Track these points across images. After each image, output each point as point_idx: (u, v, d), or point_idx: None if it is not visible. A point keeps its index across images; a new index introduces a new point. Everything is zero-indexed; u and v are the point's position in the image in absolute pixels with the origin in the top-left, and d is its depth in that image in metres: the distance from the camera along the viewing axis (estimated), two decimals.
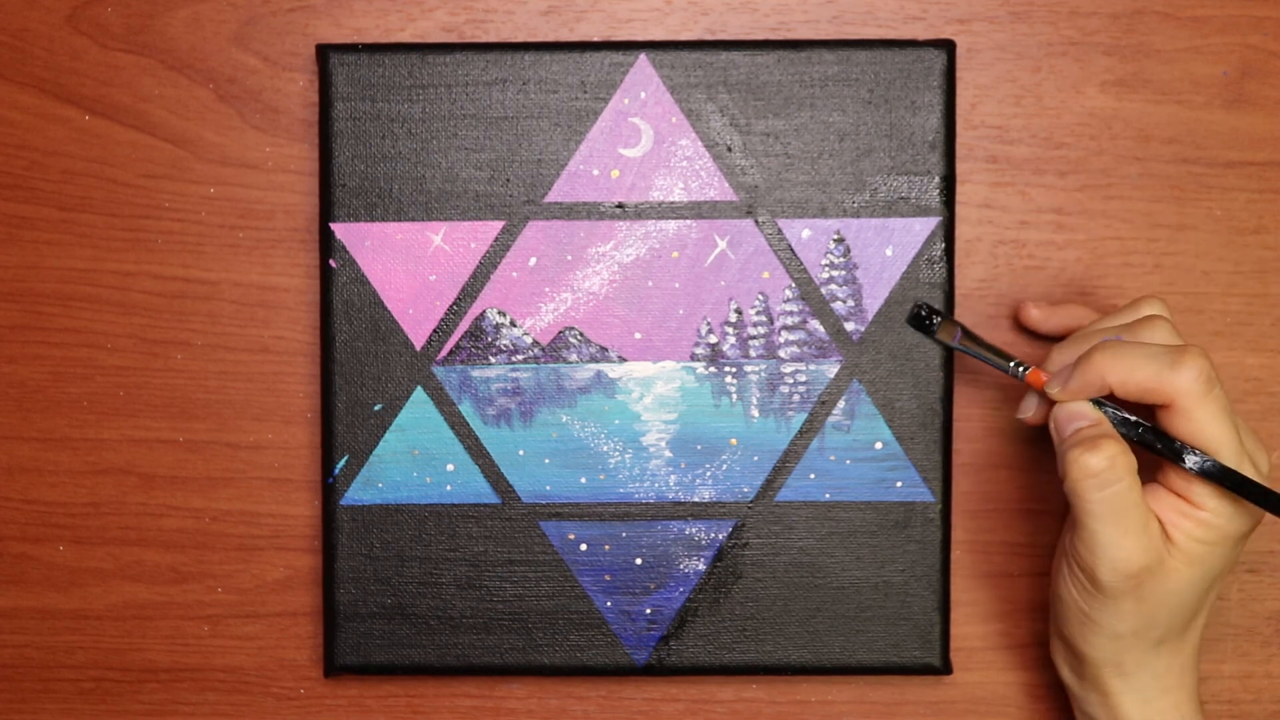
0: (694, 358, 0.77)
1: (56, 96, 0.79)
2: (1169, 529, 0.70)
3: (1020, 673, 0.80)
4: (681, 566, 0.77)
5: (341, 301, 0.77)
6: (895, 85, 0.76)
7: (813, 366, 0.77)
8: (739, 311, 0.77)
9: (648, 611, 0.77)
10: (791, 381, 0.77)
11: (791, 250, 0.77)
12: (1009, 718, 0.80)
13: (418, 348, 0.77)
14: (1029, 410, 0.74)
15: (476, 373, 0.77)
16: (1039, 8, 0.78)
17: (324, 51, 0.77)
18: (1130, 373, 0.69)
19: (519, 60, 0.76)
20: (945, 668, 0.78)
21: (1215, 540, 0.70)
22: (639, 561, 0.77)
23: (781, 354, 0.77)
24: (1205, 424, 0.69)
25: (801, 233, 0.77)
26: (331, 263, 0.77)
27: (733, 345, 0.77)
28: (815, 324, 0.77)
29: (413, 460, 0.77)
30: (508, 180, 0.77)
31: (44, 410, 0.79)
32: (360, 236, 0.77)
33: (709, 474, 0.77)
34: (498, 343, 0.77)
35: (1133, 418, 0.71)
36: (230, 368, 0.79)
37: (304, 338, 0.79)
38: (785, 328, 0.77)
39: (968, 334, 0.75)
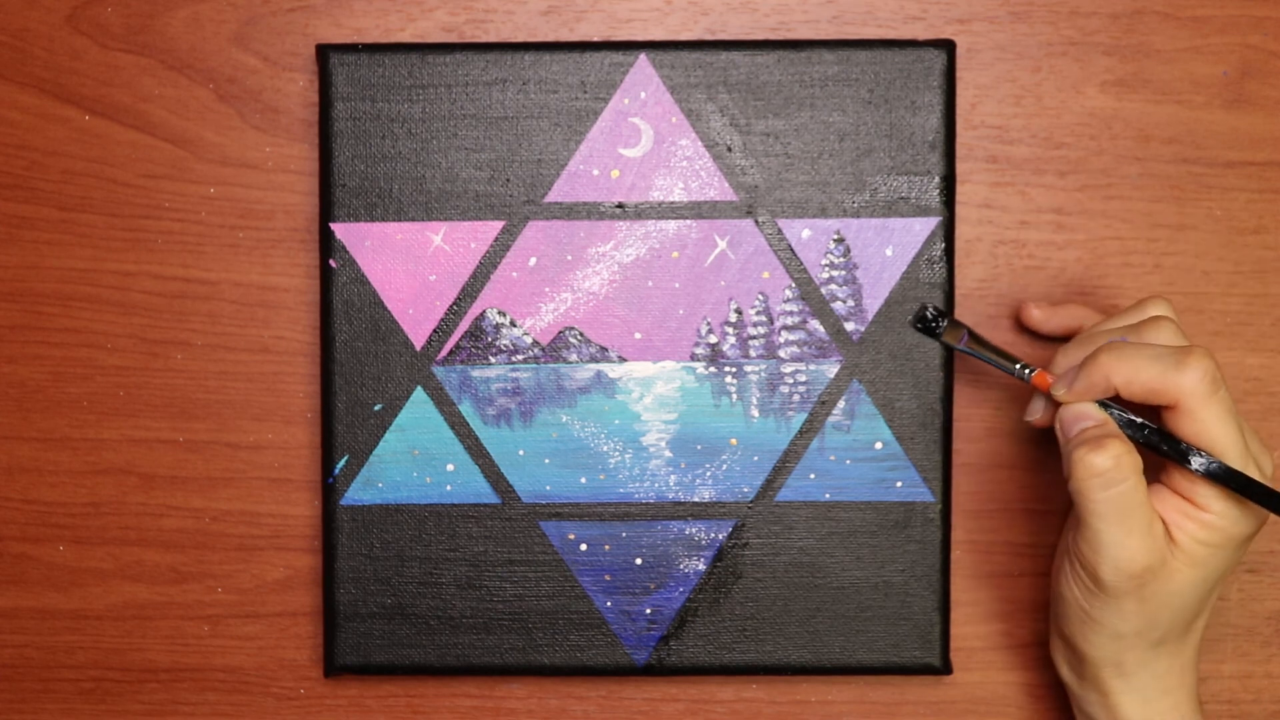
0: (694, 358, 0.77)
1: (56, 96, 0.79)
2: (1172, 530, 0.70)
3: (1020, 673, 0.80)
4: (681, 566, 0.77)
5: (341, 301, 0.77)
6: (895, 85, 0.76)
7: (813, 366, 0.77)
8: (739, 311, 0.77)
9: (648, 611, 0.77)
10: (791, 381, 0.77)
11: (791, 250, 0.77)
12: (1009, 718, 0.80)
13: (418, 348, 0.77)
14: (1037, 413, 0.74)
15: (476, 373, 0.77)
16: (1039, 8, 0.78)
17: (324, 51, 0.77)
18: (1135, 374, 0.69)
19: (519, 60, 0.76)
20: (945, 668, 0.78)
21: (1219, 542, 0.70)
22: (639, 561, 0.77)
23: (781, 354, 0.77)
24: (1211, 425, 0.69)
25: (801, 233, 0.77)
26: (331, 263, 0.77)
27: (733, 345, 0.77)
28: (815, 324, 0.77)
29: (413, 460, 0.77)
30: (508, 180, 0.77)
31: (44, 410, 0.79)
32: (360, 236, 0.77)
33: (709, 474, 0.77)
34: (498, 343, 0.77)
35: (1138, 419, 0.71)
36: (230, 368, 0.79)
37: (304, 338, 0.79)
38: (785, 328, 0.77)
39: (973, 336, 0.75)
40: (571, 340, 0.77)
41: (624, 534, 0.77)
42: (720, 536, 0.77)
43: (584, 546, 0.77)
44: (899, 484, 0.77)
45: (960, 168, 0.78)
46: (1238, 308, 0.79)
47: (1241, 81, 0.78)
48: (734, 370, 0.77)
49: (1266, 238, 0.79)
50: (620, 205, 0.77)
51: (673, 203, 0.77)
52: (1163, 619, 0.71)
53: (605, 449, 0.77)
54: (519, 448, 0.77)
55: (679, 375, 0.77)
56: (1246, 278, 0.79)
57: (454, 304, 0.77)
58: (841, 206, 0.77)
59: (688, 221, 0.77)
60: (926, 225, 0.76)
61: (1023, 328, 0.78)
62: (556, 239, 0.77)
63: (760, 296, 0.77)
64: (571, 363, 0.77)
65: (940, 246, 0.76)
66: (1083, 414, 0.71)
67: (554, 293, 0.77)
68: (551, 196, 0.77)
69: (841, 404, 0.77)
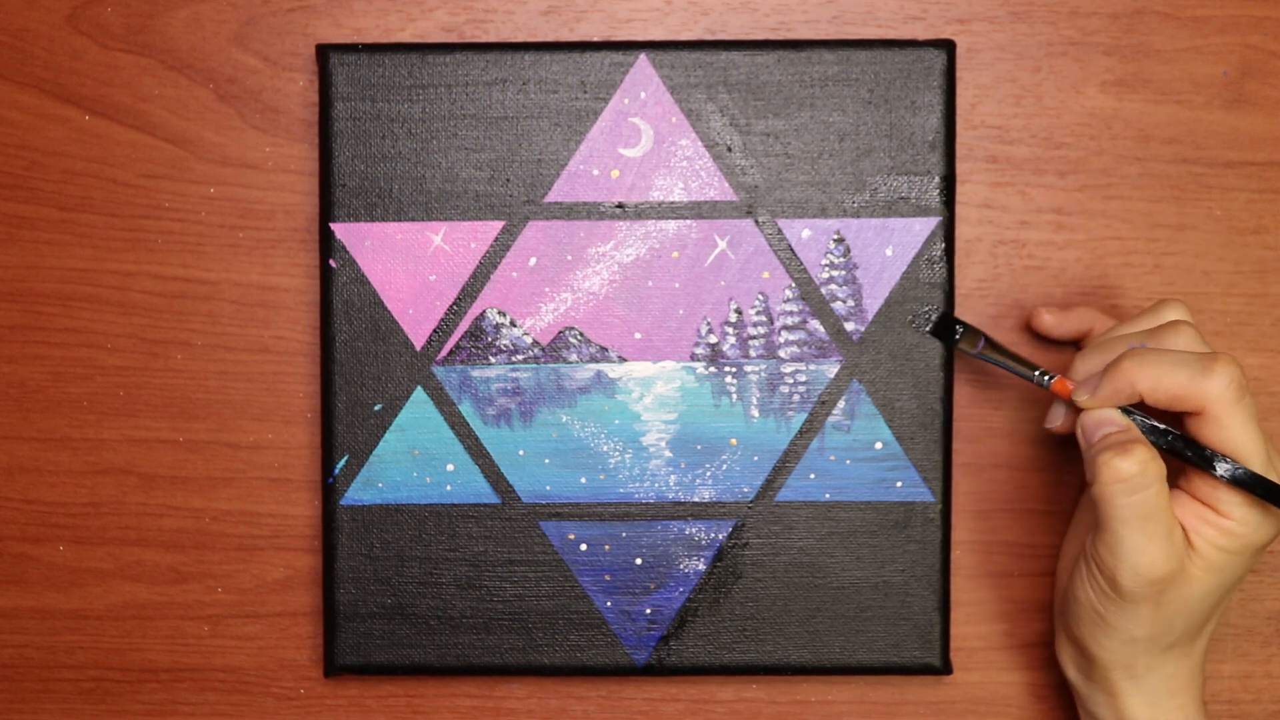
0: (694, 358, 0.77)
1: (56, 96, 0.79)
2: (1192, 536, 0.70)
3: (1021, 673, 0.80)
4: (681, 566, 0.77)
5: (341, 301, 0.77)
6: (895, 85, 0.76)
7: (813, 366, 0.77)
8: (739, 311, 0.77)
9: (648, 611, 0.77)
10: (791, 381, 0.77)
11: (791, 250, 0.77)
12: (1009, 718, 0.80)
13: (418, 348, 0.77)
14: (1057, 420, 0.73)
15: (476, 373, 0.77)
16: (1039, 8, 0.78)
17: (324, 51, 0.77)
18: (1161, 380, 0.69)
19: (519, 60, 0.76)
20: (945, 668, 0.78)
21: (1238, 549, 0.70)
22: (639, 561, 0.77)
23: (781, 354, 0.77)
24: (1235, 431, 0.69)
25: (801, 233, 0.77)
26: (331, 263, 0.77)
27: (733, 345, 0.77)
28: (815, 324, 0.77)
29: (413, 460, 0.77)
30: (508, 180, 0.77)
31: (44, 410, 0.79)
32: (360, 236, 0.77)
33: (709, 474, 0.77)
34: (498, 343, 0.77)
35: (1161, 425, 0.70)
36: (230, 368, 0.79)
37: (304, 338, 0.79)
38: (785, 328, 0.77)
39: (990, 343, 0.75)
40: (571, 340, 0.77)
41: (624, 534, 0.77)
42: (720, 536, 0.77)
43: (584, 546, 0.77)
44: (899, 484, 0.77)
45: (960, 168, 0.78)
46: (1238, 308, 0.79)
47: (1241, 81, 0.78)
48: (734, 370, 0.77)
49: (1266, 238, 0.79)
50: (620, 205, 0.77)
51: (673, 203, 0.77)
52: (1176, 624, 0.71)
53: (605, 449, 0.77)
54: (519, 448, 0.77)
55: (679, 375, 0.77)
56: (1246, 278, 0.79)
57: (454, 304, 0.77)
58: (841, 206, 0.77)
59: (688, 221, 0.77)
60: (926, 225, 0.76)
61: (1025, 328, 0.78)
62: (556, 239, 0.77)
63: (760, 296, 0.77)
64: (571, 363, 0.77)
65: (940, 246, 0.76)
66: (1105, 419, 0.71)
67: (554, 293, 0.77)
68: (551, 196, 0.77)
69: (841, 404, 0.77)
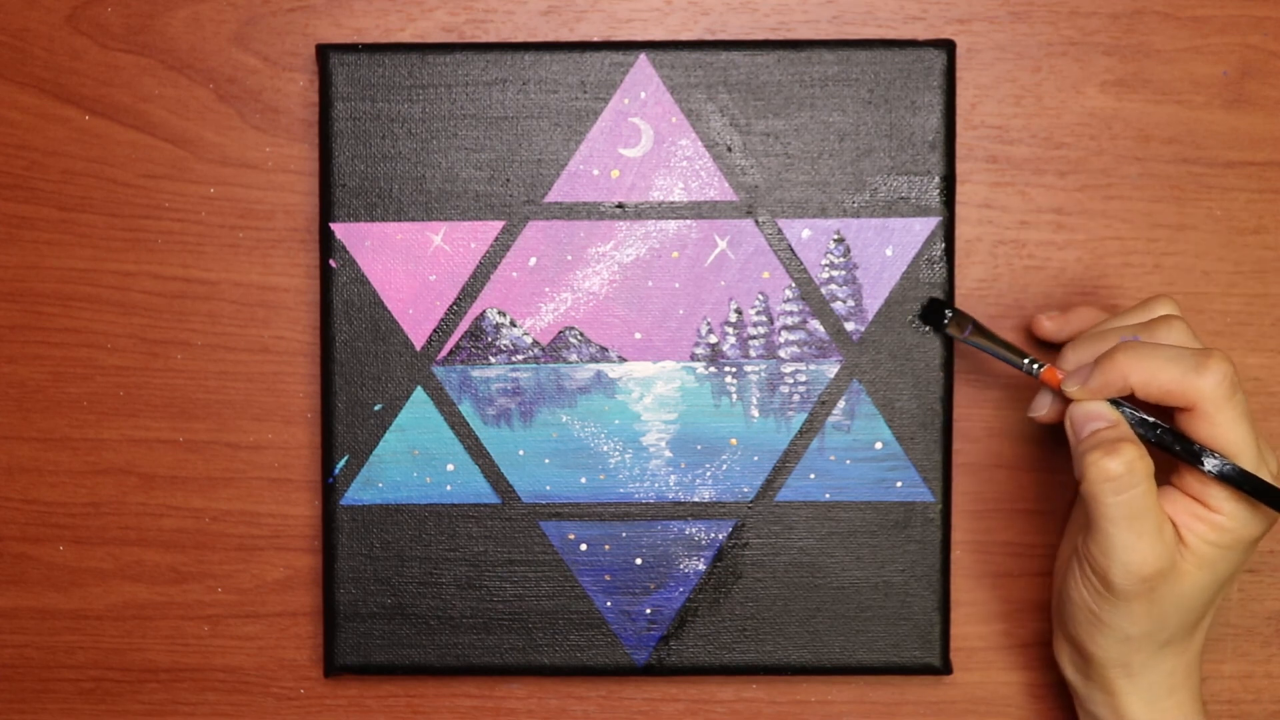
0: (694, 358, 0.77)
1: (56, 96, 0.79)
2: (1183, 532, 0.70)
3: (1021, 673, 0.80)
4: (681, 566, 0.77)
5: (341, 301, 0.77)
6: (895, 85, 0.76)
7: (813, 366, 0.77)
8: (739, 311, 0.77)
9: (648, 611, 0.77)
10: (791, 381, 0.77)
11: (791, 250, 0.77)
12: (1009, 718, 0.80)
13: (418, 348, 0.77)
14: (1042, 409, 0.73)
15: (476, 373, 0.77)
16: (1039, 8, 0.78)
17: (324, 51, 0.77)
18: (1154, 374, 0.69)
19: (519, 60, 0.76)
20: (945, 668, 0.78)
21: (1229, 544, 0.70)
22: (639, 561, 0.77)
23: (781, 354, 0.77)
24: (1227, 428, 0.69)
25: (801, 233, 0.77)
26: (331, 263, 0.77)
27: (733, 345, 0.77)
28: (815, 324, 0.77)
29: (413, 460, 0.77)
30: (508, 180, 0.77)
31: (44, 410, 0.79)
32: (360, 236, 0.77)
33: (709, 474, 0.77)
34: (498, 343, 0.77)
35: (1151, 419, 0.70)
36: (230, 368, 0.79)
37: (304, 338, 0.79)
38: (785, 328, 0.77)
39: (980, 329, 0.75)
40: (571, 340, 0.77)
41: (624, 534, 0.77)
42: (720, 536, 0.77)
43: (584, 546, 0.77)
44: (899, 484, 0.77)
45: (960, 168, 0.78)
46: (1238, 308, 0.79)
47: (1241, 81, 0.78)
48: (734, 370, 0.77)
49: (1266, 238, 0.79)
50: (620, 205, 0.77)
51: (673, 203, 0.77)
52: (1171, 621, 0.71)
53: (605, 449, 0.77)
54: (519, 448, 0.77)
55: (679, 375, 0.77)
56: (1246, 278, 0.79)
57: (454, 304, 0.77)
58: (841, 206, 0.77)
59: (688, 221, 0.77)
60: (926, 225, 0.76)
61: (1025, 329, 0.78)
62: (556, 239, 0.77)
63: (760, 296, 0.77)
64: (571, 363, 0.77)
65: (940, 246, 0.76)
66: (1095, 414, 0.71)
67: (554, 293, 0.77)
68: (551, 196, 0.77)
69: (841, 404, 0.77)
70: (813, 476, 0.77)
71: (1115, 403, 0.71)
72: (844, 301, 0.77)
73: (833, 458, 0.77)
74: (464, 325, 0.77)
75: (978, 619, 0.79)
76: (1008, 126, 0.78)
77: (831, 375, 0.77)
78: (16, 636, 0.80)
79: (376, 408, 0.77)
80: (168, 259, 0.79)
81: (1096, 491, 0.69)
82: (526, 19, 0.78)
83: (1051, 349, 0.77)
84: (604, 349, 0.77)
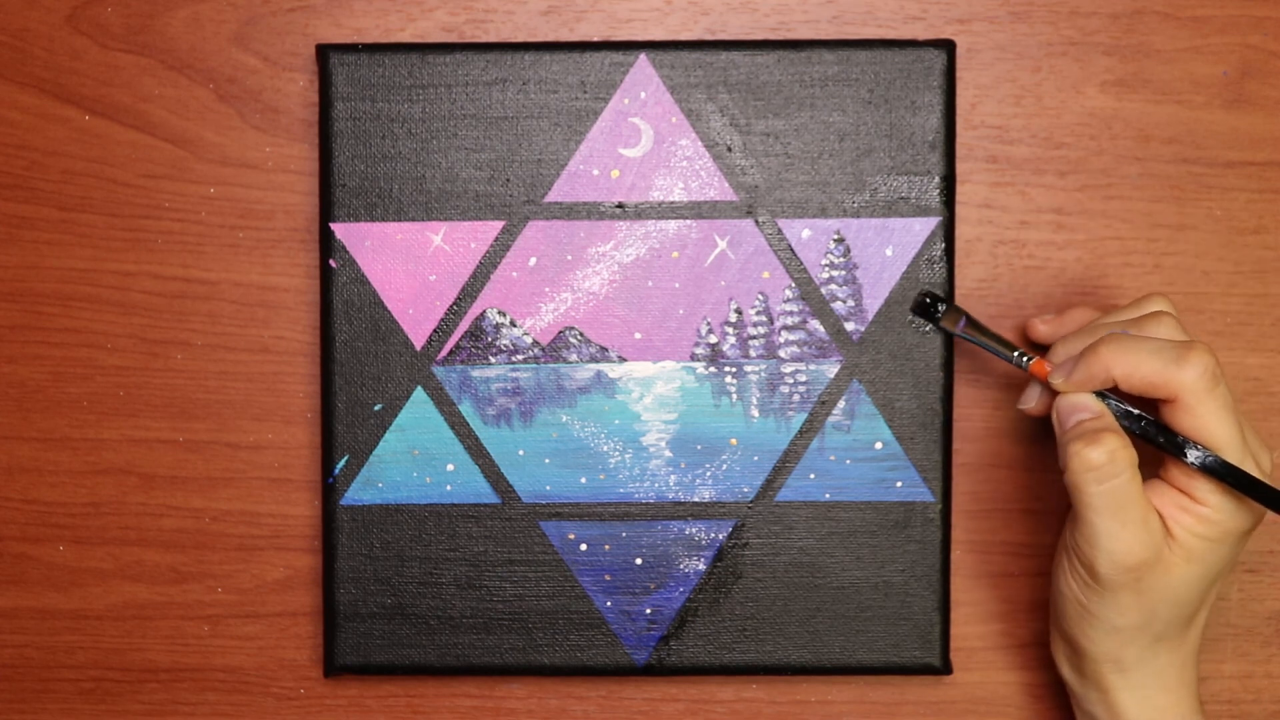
0: (694, 358, 0.77)
1: (56, 96, 0.79)
2: (1170, 524, 0.70)
3: (1020, 672, 0.80)
4: (681, 566, 0.77)
5: (341, 301, 0.77)
6: (895, 85, 0.76)
7: (813, 366, 0.77)
8: (739, 311, 0.77)
9: (648, 611, 0.77)
10: (791, 381, 0.77)
11: (791, 250, 0.77)
12: (1009, 718, 0.80)
13: (418, 348, 0.77)
14: (1031, 401, 0.74)
15: (476, 373, 0.77)
16: (1039, 8, 0.78)
17: (324, 51, 0.77)
18: (1136, 366, 0.69)
19: (519, 60, 0.76)
20: (945, 668, 0.78)
21: (1216, 537, 0.70)
22: (639, 561, 0.77)
23: (781, 354, 0.77)
24: (1208, 420, 0.69)
25: (801, 233, 0.77)
26: (331, 263, 0.77)
27: (733, 345, 0.77)
28: (815, 324, 0.77)
29: (413, 460, 0.77)
30: (508, 180, 0.77)
31: (44, 410, 0.79)
32: (360, 236, 0.77)
33: (709, 474, 0.77)
34: (498, 343, 0.77)
35: (1135, 411, 0.71)
36: (230, 368, 0.79)
37: (304, 338, 0.79)
38: (785, 328, 0.77)
39: (972, 322, 0.75)
40: (571, 340, 0.77)
41: (624, 534, 0.77)
42: (720, 536, 0.77)
43: (584, 546, 0.77)
44: (899, 484, 0.77)
45: (960, 168, 0.78)
46: (1238, 308, 0.79)
47: (1241, 81, 0.78)
48: (734, 370, 0.77)
49: (1266, 238, 0.79)
50: (620, 205, 0.77)
51: (673, 203, 0.77)
52: (1161, 613, 0.71)
53: (605, 449, 0.77)
54: (519, 448, 0.77)
55: (679, 375, 0.77)
56: (1246, 278, 0.79)
57: (454, 304, 0.77)
58: (841, 206, 0.77)
59: (688, 221, 0.77)
60: (926, 225, 0.76)
61: (1024, 328, 0.78)
62: (556, 239, 0.77)
63: (760, 296, 0.77)
64: (571, 363, 0.77)
65: (940, 246, 0.76)
66: (1080, 405, 0.71)
67: (554, 293, 0.77)
68: (551, 196, 0.77)
69: (841, 404, 0.77)
70: (813, 476, 0.77)
71: (1101, 396, 0.71)
72: (844, 301, 0.77)
73: (833, 458, 0.77)
74: (464, 325, 0.77)
75: (977, 619, 0.79)
76: (1008, 126, 0.78)
77: (831, 375, 0.77)
78: (16, 636, 0.80)
79: (376, 408, 0.77)
80: (168, 259, 0.79)
81: (1079, 481, 0.69)
82: (526, 19, 0.78)
83: (1040, 346, 0.77)
84: (604, 349, 0.77)
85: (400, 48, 0.77)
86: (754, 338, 0.77)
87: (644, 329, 0.77)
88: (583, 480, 0.77)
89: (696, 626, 0.78)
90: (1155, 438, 0.70)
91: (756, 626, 0.77)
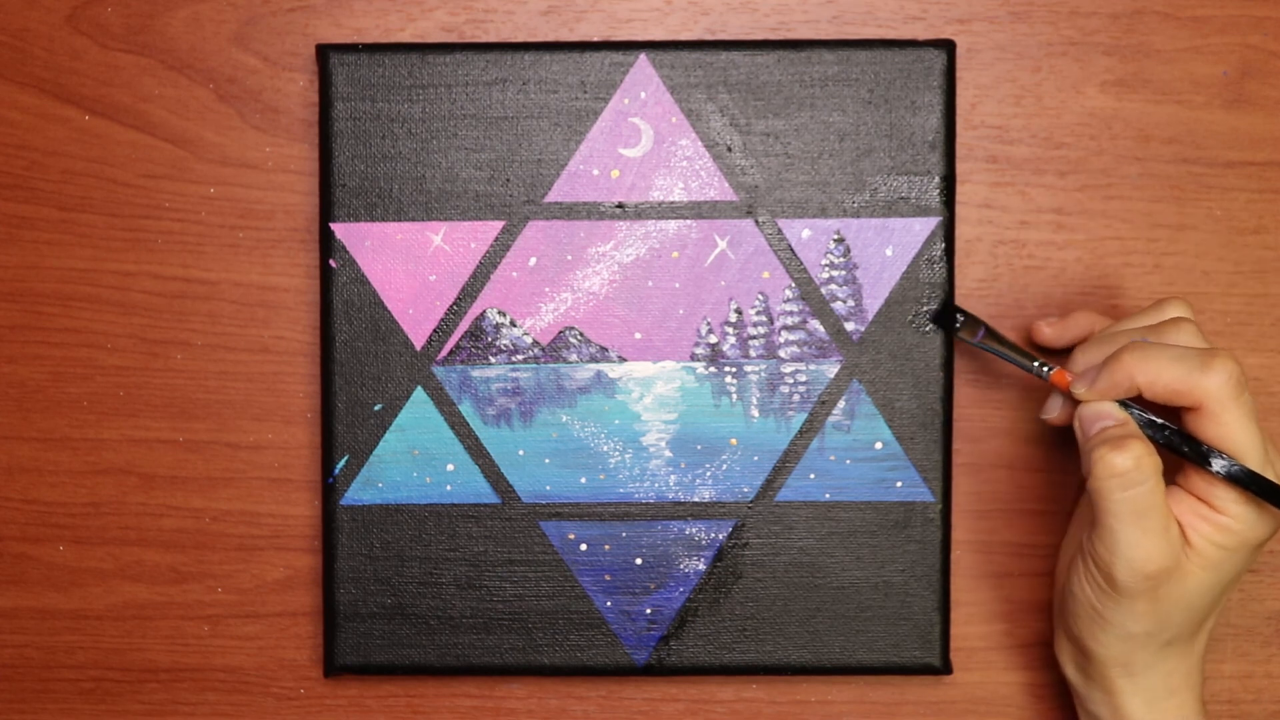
0: (694, 358, 0.77)
1: (56, 96, 0.79)
2: (1188, 532, 0.70)
3: (1021, 672, 0.80)
4: (681, 566, 0.77)
5: (341, 301, 0.77)
6: (895, 85, 0.76)
7: (813, 366, 0.77)
8: (739, 311, 0.77)
9: (648, 611, 0.77)
10: (791, 381, 0.77)
11: (791, 250, 0.77)
12: (1009, 718, 0.80)
13: (418, 348, 0.77)
14: (1054, 411, 0.73)
15: (476, 373, 0.77)
16: (1039, 8, 0.78)
17: (324, 51, 0.77)
18: (1160, 374, 0.69)
19: (519, 60, 0.76)
20: (945, 668, 0.78)
21: (1234, 545, 0.70)
22: (639, 561, 0.77)
23: (781, 354, 0.77)
24: (1233, 428, 0.69)
25: (801, 233, 0.77)
26: (331, 263, 0.77)
27: (733, 345, 0.77)
28: (815, 324, 0.77)
29: (413, 460, 0.77)
30: (508, 180, 0.77)
31: (44, 410, 0.79)
32: (360, 236, 0.77)
33: (709, 474, 0.77)
34: (498, 343, 0.77)
35: (1159, 419, 0.70)
36: (230, 368, 0.79)
37: (304, 338, 0.79)
38: (785, 328, 0.77)
39: (990, 333, 0.75)
40: (571, 340, 0.77)
41: (624, 534, 0.77)
42: (720, 536, 0.77)
43: (584, 546, 0.77)
44: (899, 484, 0.77)
45: (960, 168, 0.78)
46: (1238, 308, 0.79)
47: (1241, 81, 0.78)
48: (734, 370, 0.77)
49: (1266, 238, 0.79)
50: (620, 205, 0.77)
51: (673, 203, 0.77)
52: (1174, 620, 0.71)
53: (605, 449, 0.77)
54: (519, 448, 0.77)
55: (679, 375, 0.77)
56: (1246, 278, 0.79)
57: (454, 304, 0.77)
58: (841, 206, 0.77)
59: (688, 221, 0.77)
60: (926, 225, 0.76)
61: (1024, 328, 0.78)
62: (556, 239, 0.77)
63: (760, 296, 0.77)
64: (571, 363, 0.77)
65: (940, 246, 0.76)
66: (1103, 413, 0.71)
67: (554, 293, 0.77)
68: (551, 196, 0.77)
69: (841, 404, 0.77)
70: (813, 476, 0.77)
71: (1124, 404, 0.71)
72: (844, 301, 0.77)
73: (833, 458, 0.77)
74: (464, 325, 0.77)
75: (978, 619, 0.79)
76: (1008, 126, 0.78)
77: (831, 375, 0.77)
78: (16, 636, 0.80)
79: (376, 408, 0.77)
80: (168, 259, 0.79)
81: (1103, 487, 0.69)
82: (526, 19, 0.78)
83: (1052, 354, 0.77)
84: (604, 349, 0.77)
85: (400, 48, 0.77)
86: (754, 338, 0.77)
87: (644, 329, 0.77)
88: (583, 480, 0.77)
89: (696, 626, 0.78)
90: (1179, 446, 0.70)
91: (756, 626, 0.77)
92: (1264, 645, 0.80)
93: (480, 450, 0.77)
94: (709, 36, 0.78)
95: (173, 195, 0.79)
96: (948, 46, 0.76)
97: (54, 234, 0.79)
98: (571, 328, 0.77)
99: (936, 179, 0.76)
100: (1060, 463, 0.79)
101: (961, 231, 0.78)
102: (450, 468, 0.77)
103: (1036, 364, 0.73)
